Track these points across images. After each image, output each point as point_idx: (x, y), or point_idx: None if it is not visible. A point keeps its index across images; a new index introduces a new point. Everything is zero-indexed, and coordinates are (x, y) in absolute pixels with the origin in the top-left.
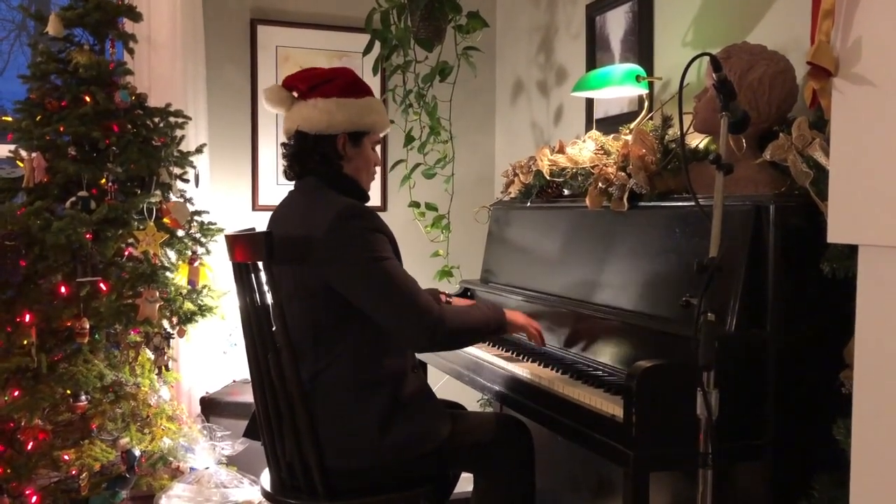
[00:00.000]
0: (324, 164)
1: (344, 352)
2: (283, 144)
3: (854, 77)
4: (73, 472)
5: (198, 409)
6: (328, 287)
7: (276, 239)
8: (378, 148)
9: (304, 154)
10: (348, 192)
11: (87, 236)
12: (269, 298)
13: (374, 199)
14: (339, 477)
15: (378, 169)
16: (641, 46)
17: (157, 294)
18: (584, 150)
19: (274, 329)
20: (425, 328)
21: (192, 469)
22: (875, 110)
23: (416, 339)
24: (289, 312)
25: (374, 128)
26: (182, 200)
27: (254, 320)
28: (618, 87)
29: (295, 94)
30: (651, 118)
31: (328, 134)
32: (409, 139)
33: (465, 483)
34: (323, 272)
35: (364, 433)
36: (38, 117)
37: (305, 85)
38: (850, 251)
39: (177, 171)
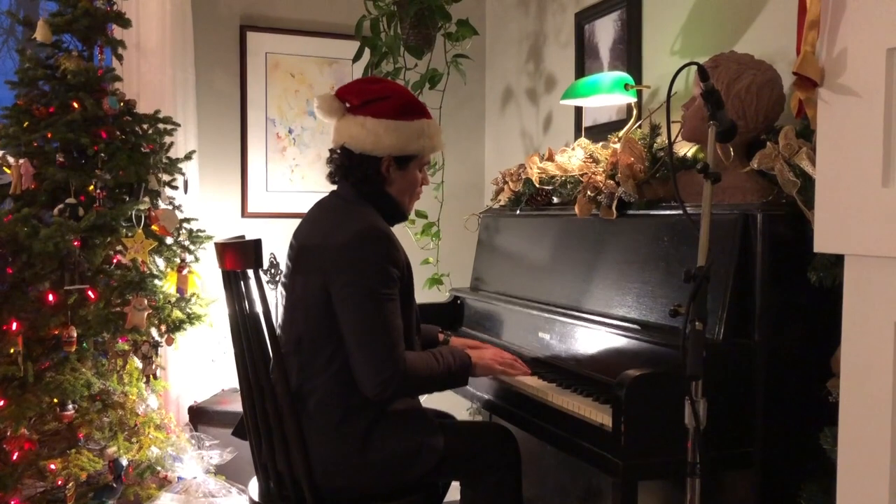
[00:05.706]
0: (365, 183)
1: (333, 365)
2: (330, 151)
3: (839, 87)
4: (60, 482)
5: (186, 417)
6: (329, 298)
7: (299, 247)
8: (426, 168)
9: (346, 170)
10: (386, 210)
11: (75, 243)
12: (258, 307)
13: None
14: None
15: (424, 188)
16: (630, 55)
17: (146, 302)
18: (574, 158)
19: (267, 337)
20: (382, 381)
21: (179, 478)
22: (860, 120)
23: (366, 386)
24: (289, 319)
25: (422, 152)
26: (171, 207)
27: (243, 328)
28: (606, 96)
29: (347, 105)
30: (639, 126)
31: (373, 155)
32: None
33: (454, 492)
34: (328, 282)
35: (350, 452)
36: (26, 123)
37: (358, 100)
38: (837, 260)
39: (165, 177)
